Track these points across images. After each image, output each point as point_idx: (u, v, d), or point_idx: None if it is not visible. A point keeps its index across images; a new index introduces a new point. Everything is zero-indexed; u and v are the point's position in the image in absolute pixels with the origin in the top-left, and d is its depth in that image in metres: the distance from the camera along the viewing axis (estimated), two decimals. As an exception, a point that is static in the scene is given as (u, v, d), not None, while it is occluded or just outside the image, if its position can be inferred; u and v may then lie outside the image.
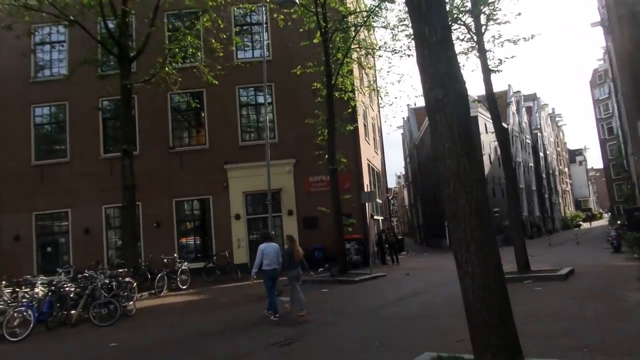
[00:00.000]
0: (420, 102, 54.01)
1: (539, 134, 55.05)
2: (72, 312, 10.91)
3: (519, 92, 48.51)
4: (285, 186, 20.77)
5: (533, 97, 56.33)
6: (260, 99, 21.72)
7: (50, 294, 10.39)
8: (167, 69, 16.63)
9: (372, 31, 17.60)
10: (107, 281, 11.31)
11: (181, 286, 16.01)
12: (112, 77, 19.24)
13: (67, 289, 11.00)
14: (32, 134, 21.40)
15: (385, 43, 17.57)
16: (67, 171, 20.98)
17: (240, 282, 17.12)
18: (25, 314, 9.63)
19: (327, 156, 17.33)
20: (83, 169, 20.85)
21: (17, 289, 12.74)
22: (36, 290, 12.76)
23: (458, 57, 16.52)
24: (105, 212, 20.80)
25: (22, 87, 21.49)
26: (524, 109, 50.07)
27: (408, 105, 49.00)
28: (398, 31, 17.03)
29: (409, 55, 16.76)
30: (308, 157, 20.73)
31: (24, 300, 10.43)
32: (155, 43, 17.33)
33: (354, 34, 17.18)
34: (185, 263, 16.82)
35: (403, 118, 53.62)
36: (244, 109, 21.65)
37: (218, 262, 18.75)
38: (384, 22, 17.71)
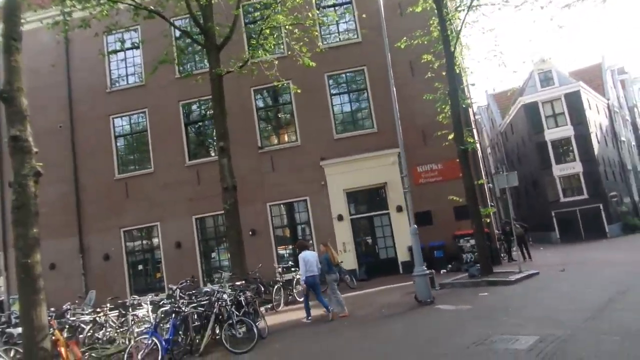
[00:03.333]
0: (502, 87, 49.94)
1: (635, 110, 49.60)
2: (195, 336, 8.89)
3: (614, 65, 43.67)
4: (390, 180, 18.29)
5: (621, 71, 50.90)
6: (353, 86, 19.46)
7: (173, 315, 8.27)
8: (259, 52, 14.69)
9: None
10: (226, 297, 9.14)
11: (298, 298, 13.80)
12: (191, 79, 17.74)
13: (188, 309, 8.95)
14: (114, 146, 20.11)
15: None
16: (153, 183, 19.49)
17: (358, 291, 14.78)
18: (149, 342, 7.59)
19: (452, 136, 14.72)
20: (169, 179, 19.31)
21: (124, 312, 10.97)
22: (143, 312, 10.97)
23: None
24: (195, 224, 19.07)
25: (99, 99, 20.31)
26: (619, 83, 45.10)
27: (486, 91, 45.40)
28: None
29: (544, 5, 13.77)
30: (413, 145, 18.18)
31: (144, 325, 8.48)
32: (237, 32, 15.59)
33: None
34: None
35: (479, 106, 49.80)
36: (336, 98, 19.38)
37: (327, 269, 16.47)
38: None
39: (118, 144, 20.23)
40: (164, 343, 7.51)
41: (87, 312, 11.28)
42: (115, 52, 20.37)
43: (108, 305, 11.00)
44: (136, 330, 10.22)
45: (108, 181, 19.73)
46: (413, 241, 11.38)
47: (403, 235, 17.94)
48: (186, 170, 19.34)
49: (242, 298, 9.16)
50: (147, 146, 19.92)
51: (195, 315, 8.95)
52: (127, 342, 9.82)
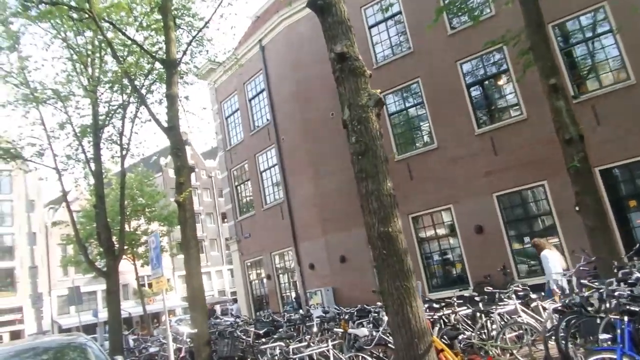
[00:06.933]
0: None
1: None
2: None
3: None
4: None
5: None
6: None
7: (625, 318, 4.82)
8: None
9: None
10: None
11: None
12: (469, 31, 14.58)
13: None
14: (389, 126, 18.18)
15: None
16: (438, 160, 16.87)
17: None
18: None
19: None
20: (457, 154, 16.42)
21: (474, 308, 8.13)
22: (508, 309, 7.96)
23: None
24: (497, 202, 15.62)
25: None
26: None
27: None
28: None
29: None
30: None
31: (514, 328, 5.32)
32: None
33: None
34: None
35: None
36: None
37: None
38: None
39: (393, 123, 18.28)
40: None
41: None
42: (375, 25, 18.70)
43: (454, 300, 8.36)
44: (507, 335, 7.26)
45: (390, 164, 17.88)
46: None
47: None
48: (477, 140, 16.14)
49: None
50: (425, 119, 17.45)
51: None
52: (500, 353, 6.91)
